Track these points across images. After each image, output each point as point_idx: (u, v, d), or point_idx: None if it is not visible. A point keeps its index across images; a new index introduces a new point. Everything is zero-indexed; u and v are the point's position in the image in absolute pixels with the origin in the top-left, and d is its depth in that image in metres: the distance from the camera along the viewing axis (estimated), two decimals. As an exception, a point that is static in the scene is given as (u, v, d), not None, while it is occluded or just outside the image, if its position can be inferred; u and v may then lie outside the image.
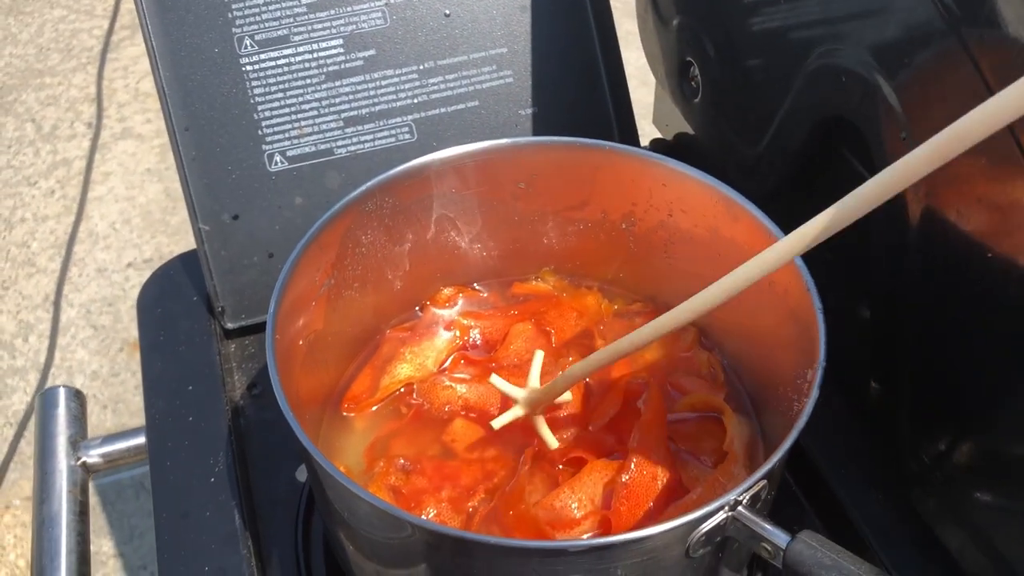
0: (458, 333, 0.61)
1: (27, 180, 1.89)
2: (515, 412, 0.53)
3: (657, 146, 0.82)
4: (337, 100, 0.67)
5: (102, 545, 1.31)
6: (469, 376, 0.58)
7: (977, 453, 0.49)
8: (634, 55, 0.82)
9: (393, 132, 0.68)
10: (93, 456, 0.64)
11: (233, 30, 0.65)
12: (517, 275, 0.65)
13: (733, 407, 0.55)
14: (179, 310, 0.68)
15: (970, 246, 0.44)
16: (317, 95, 0.66)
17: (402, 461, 0.53)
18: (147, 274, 0.72)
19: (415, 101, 0.68)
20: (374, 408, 0.58)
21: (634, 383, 0.56)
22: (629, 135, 0.72)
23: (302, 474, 0.58)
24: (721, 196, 0.55)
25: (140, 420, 0.62)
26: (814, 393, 0.45)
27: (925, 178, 0.47)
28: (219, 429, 0.60)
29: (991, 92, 0.40)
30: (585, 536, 0.49)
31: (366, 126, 0.67)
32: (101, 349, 1.58)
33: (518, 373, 0.57)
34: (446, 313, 0.63)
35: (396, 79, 0.68)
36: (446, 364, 0.60)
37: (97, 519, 1.32)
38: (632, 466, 0.50)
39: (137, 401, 1.47)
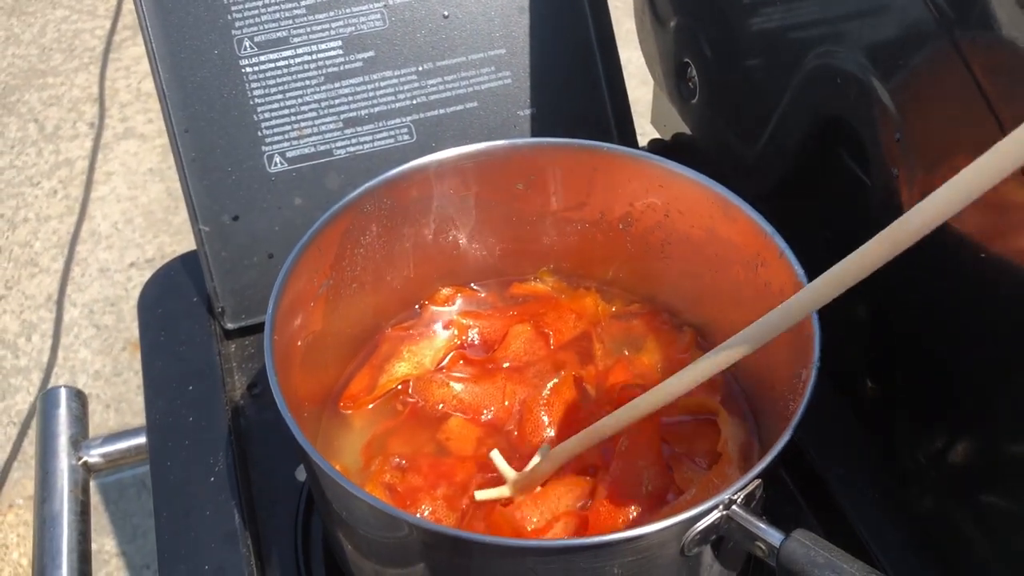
0: (456, 332, 0.61)
1: (30, 180, 1.89)
2: (502, 492, 0.51)
3: (655, 146, 0.82)
4: (336, 101, 0.67)
5: (105, 544, 1.31)
6: (467, 375, 0.59)
7: (972, 452, 0.49)
8: (635, 55, 0.82)
9: (392, 133, 0.68)
10: (94, 456, 0.64)
11: (233, 32, 0.65)
12: (515, 275, 0.65)
13: (729, 409, 0.55)
14: (179, 310, 0.68)
15: (966, 245, 0.45)
16: (316, 96, 0.67)
17: (398, 459, 0.53)
18: (149, 274, 0.72)
19: (414, 102, 0.68)
20: (371, 406, 0.58)
21: (630, 389, 0.56)
22: (627, 136, 0.73)
23: (301, 474, 0.59)
24: (717, 197, 0.55)
25: (143, 419, 0.62)
26: (808, 392, 0.45)
27: (921, 178, 0.47)
28: (219, 429, 0.60)
29: (983, 94, 0.41)
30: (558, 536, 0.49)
31: (365, 127, 0.67)
32: (104, 349, 1.58)
33: (516, 377, 0.58)
34: (444, 312, 0.63)
35: (395, 80, 0.68)
36: (444, 363, 0.60)
37: (99, 518, 1.33)
38: (616, 466, 0.50)
39: (140, 401, 1.47)
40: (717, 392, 0.57)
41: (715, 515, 0.42)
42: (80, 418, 0.66)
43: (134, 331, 1.59)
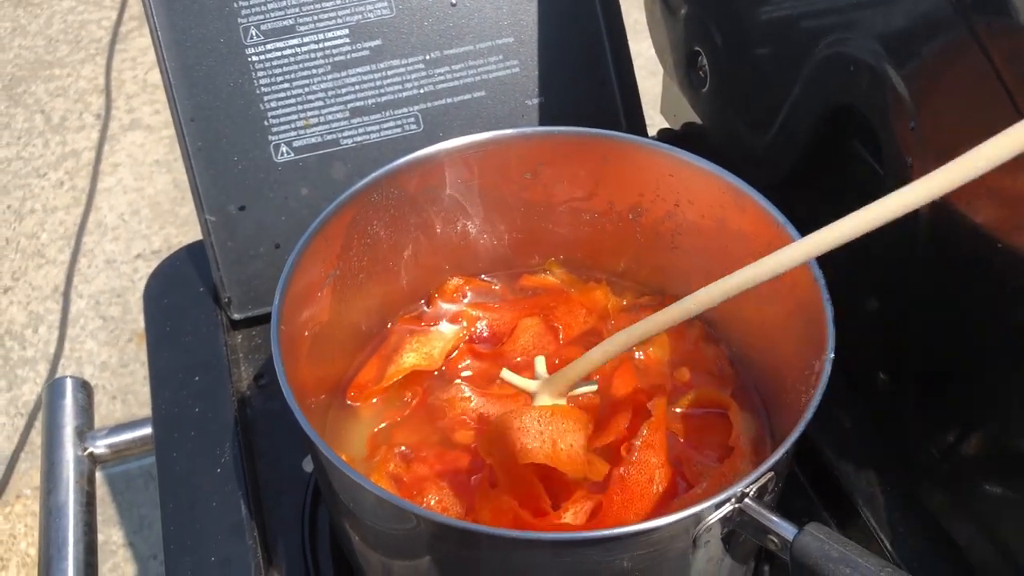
0: (465, 324, 0.61)
1: (36, 171, 1.89)
2: (528, 384, 0.51)
3: (664, 136, 0.82)
4: (343, 90, 0.66)
5: (112, 535, 1.32)
6: (474, 372, 0.58)
7: (986, 446, 0.49)
8: (643, 45, 0.82)
9: (399, 122, 0.68)
10: (100, 447, 0.64)
11: (239, 20, 0.65)
12: (524, 266, 0.65)
13: (740, 403, 0.55)
14: (186, 301, 0.68)
15: (980, 237, 0.44)
16: (323, 85, 0.66)
17: (403, 448, 0.53)
18: (156, 265, 0.72)
19: (421, 91, 0.68)
20: (376, 399, 0.57)
21: (641, 396, 0.55)
22: (636, 125, 0.72)
23: (308, 464, 0.59)
24: (728, 186, 0.54)
25: (149, 411, 0.62)
26: (822, 385, 0.44)
27: (935, 168, 0.47)
28: (226, 420, 0.60)
29: (1002, 81, 0.40)
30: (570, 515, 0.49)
31: (372, 116, 0.67)
32: (110, 340, 1.58)
33: (523, 374, 0.57)
34: (453, 304, 0.63)
35: (402, 69, 0.67)
36: (453, 355, 0.60)
37: (106, 509, 1.33)
38: (635, 458, 0.50)
39: (146, 392, 1.47)
40: (729, 386, 0.57)
41: (727, 508, 0.42)
42: (86, 409, 0.66)
43: (140, 322, 1.59)
